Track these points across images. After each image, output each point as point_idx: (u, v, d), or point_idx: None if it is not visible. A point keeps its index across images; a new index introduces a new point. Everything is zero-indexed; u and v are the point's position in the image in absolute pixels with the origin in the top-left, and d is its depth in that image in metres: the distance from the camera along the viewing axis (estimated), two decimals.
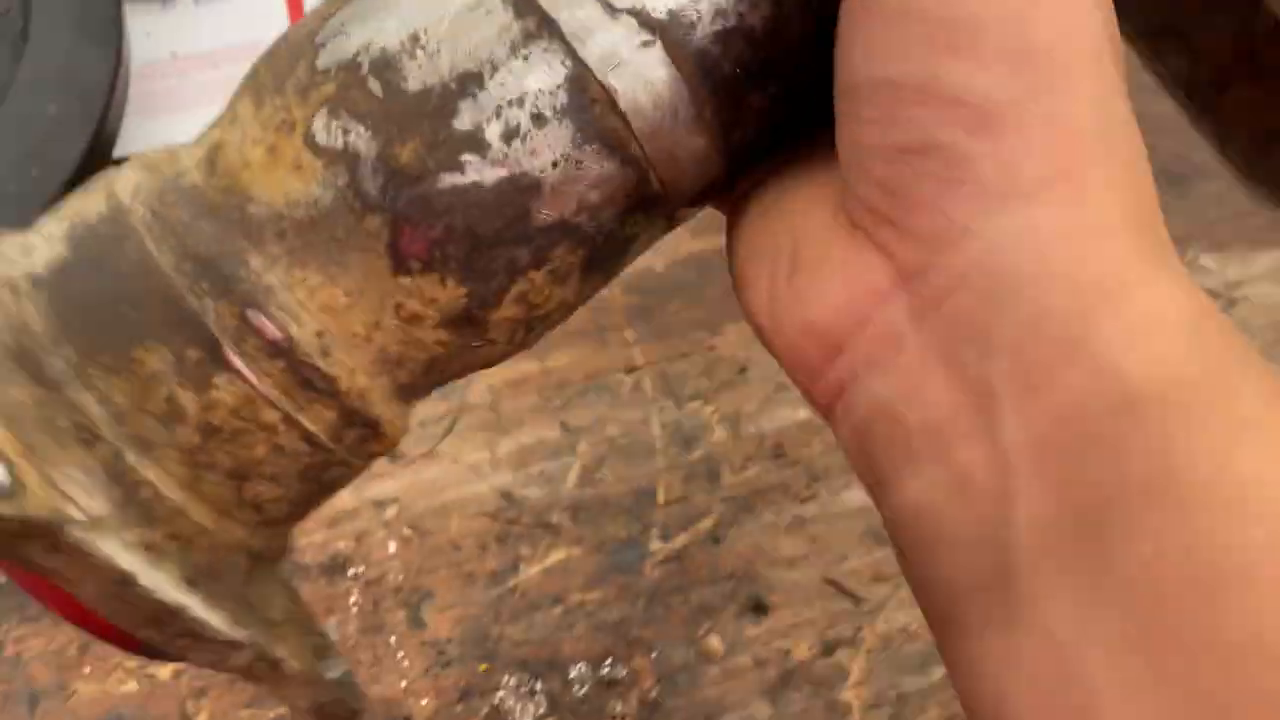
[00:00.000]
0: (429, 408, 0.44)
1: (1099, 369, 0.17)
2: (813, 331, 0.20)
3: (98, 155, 0.47)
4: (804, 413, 0.44)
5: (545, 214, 0.20)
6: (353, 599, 0.39)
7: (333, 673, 0.23)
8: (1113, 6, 0.19)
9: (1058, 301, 0.17)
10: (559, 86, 0.20)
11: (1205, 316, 0.18)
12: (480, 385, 0.44)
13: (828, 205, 0.21)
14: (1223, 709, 0.15)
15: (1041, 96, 0.18)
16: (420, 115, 0.20)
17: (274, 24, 0.58)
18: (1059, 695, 0.16)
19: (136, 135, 0.53)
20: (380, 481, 0.42)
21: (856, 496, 0.41)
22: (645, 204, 0.21)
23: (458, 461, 0.42)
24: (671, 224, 0.23)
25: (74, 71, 0.47)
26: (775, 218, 0.22)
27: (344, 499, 0.42)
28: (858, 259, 0.20)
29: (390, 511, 0.41)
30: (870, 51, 0.19)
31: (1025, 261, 0.18)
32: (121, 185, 0.22)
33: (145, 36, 0.58)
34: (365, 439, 0.22)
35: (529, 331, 0.22)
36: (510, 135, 0.20)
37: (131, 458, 0.20)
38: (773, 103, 0.21)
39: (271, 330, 0.20)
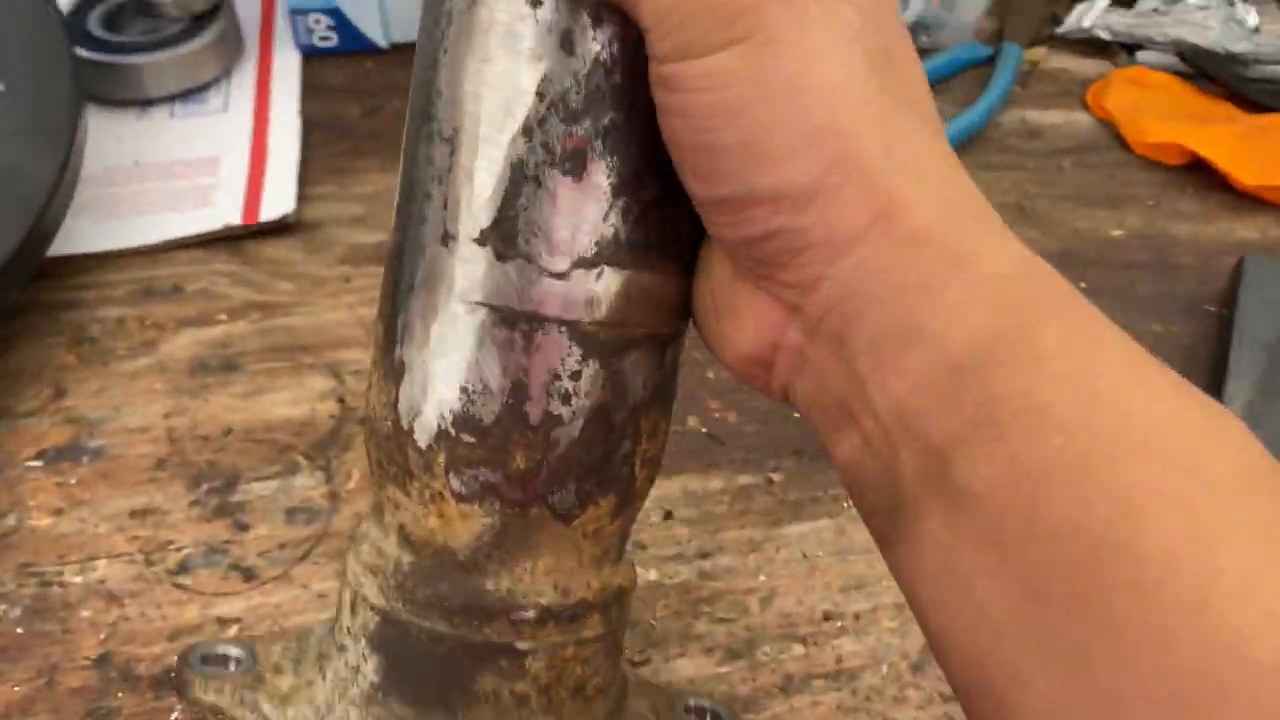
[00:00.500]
0: (292, 532, 0.45)
1: (928, 349, 0.22)
2: (746, 358, 0.27)
3: (31, 251, 0.50)
4: (653, 573, 0.44)
5: (620, 415, 0.28)
6: (174, 714, 0.40)
7: None
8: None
9: (893, 308, 0.23)
10: (578, 361, 0.27)
11: (1014, 281, 0.23)
12: (346, 512, 0.45)
13: (727, 269, 0.26)
14: (1045, 580, 0.21)
15: (835, 166, 0.23)
16: (504, 433, 0.27)
17: (239, 142, 0.61)
18: (942, 581, 0.23)
19: (91, 235, 0.56)
20: (228, 600, 0.42)
21: (688, 665, 0.41)
22: (666, 342, 0.29)
23: (308, 588, 0.43)
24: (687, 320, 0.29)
25: (18, 171, 0.49)
26: (701, 279, 0.28)
27: (190, 614, 0.43)
28: (757, 303, 0.26)
29: (231, 631, 0.42)
30: (700, 180, 0.25)
31: (866, 286, 0.23)
32: (370, 592, 0.29)
33: (116, 142, 0.62)
34: (621, 598, 0.30)
35: (653, 477, 0.30)
36: (566, 399, 0.27)
37: None
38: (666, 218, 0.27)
39: (531, 613, 0.28)
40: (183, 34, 0.63)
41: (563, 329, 0.26)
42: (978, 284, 0.23)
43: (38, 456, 0.47)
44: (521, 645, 0.28)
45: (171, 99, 0.64)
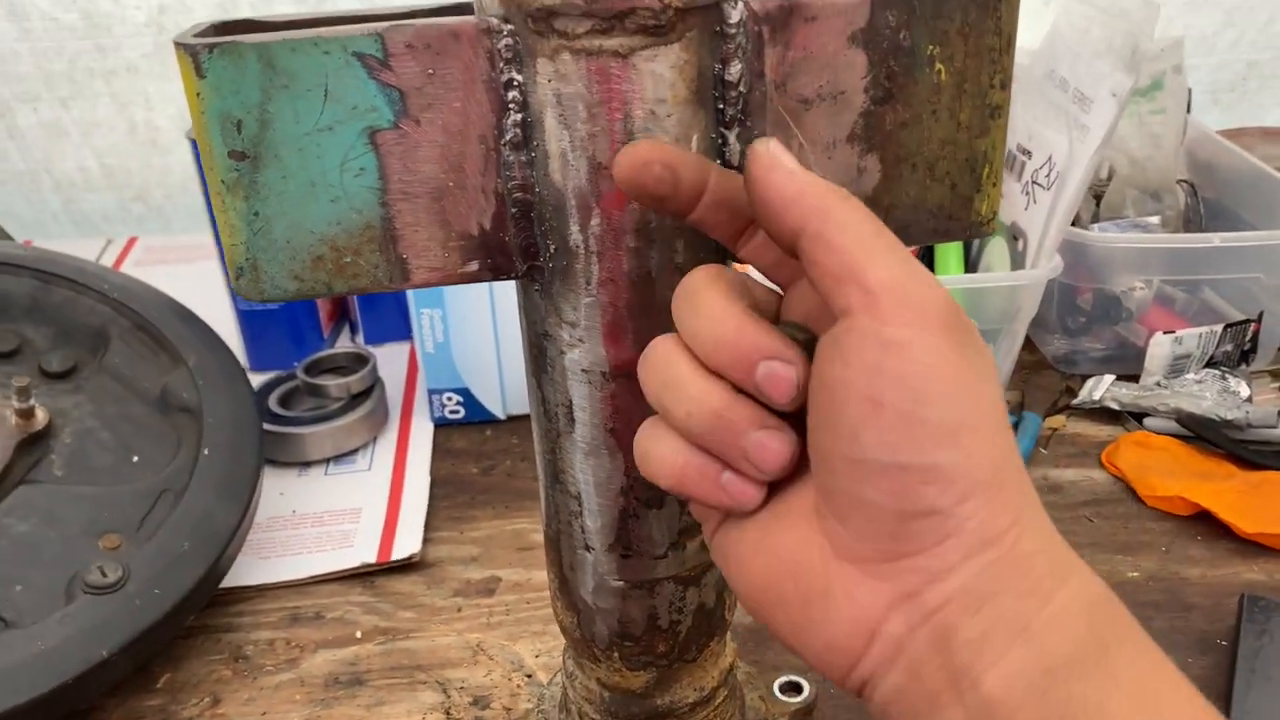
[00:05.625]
0: None
1: (1030, 648, 0.26)
2: (834, 648, 0.28)
3: (210, 584, 0.62)
4: None
5: (714, 606, 0.44)
6: None
7: None
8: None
9: (1009, 607, 0.26)
10: (683, 593, 0.43)
11: (1099, 604, 0.27)
12: None
13: (816, 549, 0.28)
14: None
15: (1003, 466, 0.26)
16: (650, 637, 0.43)
17: (378, 495, 0.74)
18: None
19: (252, 571, 0.68)
20: None
21: None
22: None
23: None
24: None
25: (210, 518, 0.62)
26: (768, 565, 0.30)
27: None
28: (859, 590, 0.27)
29: None
30: (885, 442, 0.26)
31: (988, 584, 0.26)
32: (589, 710, 0.47)
33: (279, 495, 0.75)
34: (733, 668, 0.48)
35: (735, 604, 0.45)
36: (680, 610, 0.43)
37: None
38: None
39: (685, 708, 0.46)
40: (341, 409, 0.79)
41: (670, 581, 0.41)
42: (1075, 599, 0.26)
43: None
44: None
45: (327, 460, 0.78)
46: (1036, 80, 0.79)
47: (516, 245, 0.36)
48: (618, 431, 0.38)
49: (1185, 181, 0.94)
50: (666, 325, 0.36)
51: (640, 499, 0.39)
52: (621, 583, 0.41)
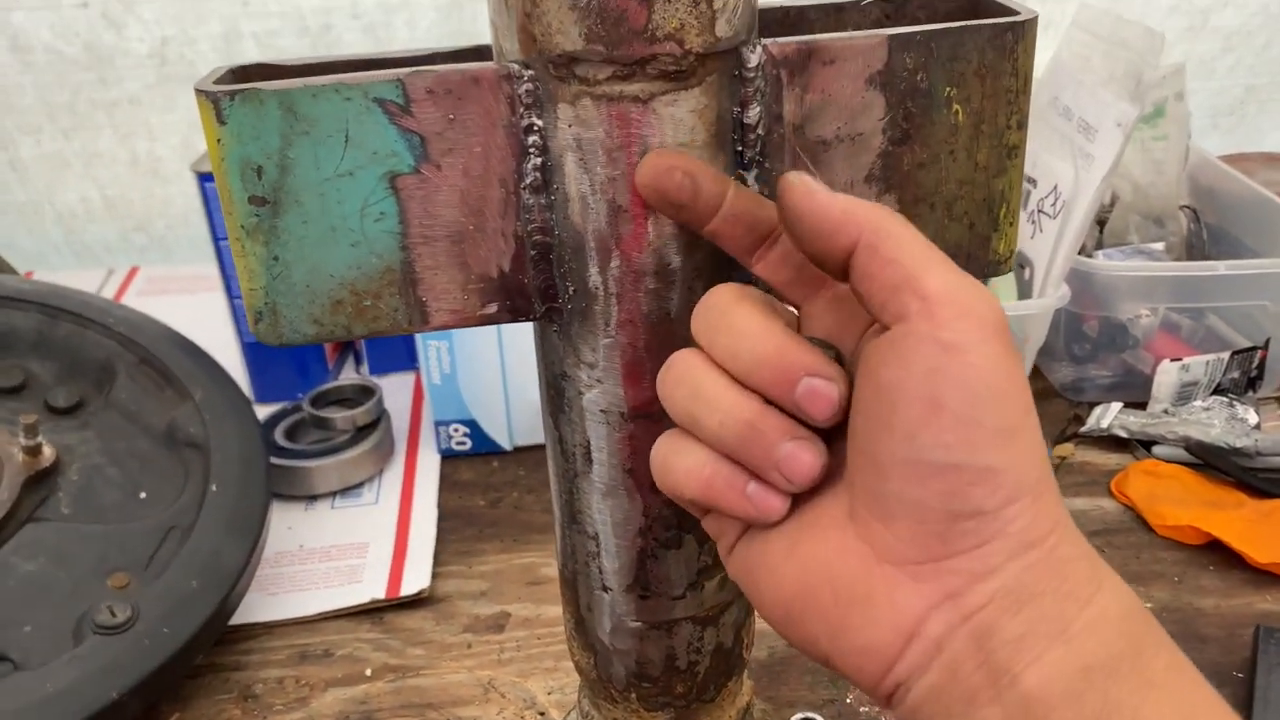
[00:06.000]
0: None
1: (1069, 649, 0.26)
2: (871, 652, 0.29)
3: (218, 622, 0.61)
4: None
5: (731, 646, 0.44)
6: None
7: None
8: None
9: (1049, 609, 0.27)
10: (700, 634, 0.42)
11: (1133, 612, 0.27)
12: None
13: (855, 555, 0.29)
14: None
15: (1044, 472, 0.28)
16: (668, 679, 0.43)
17: (386, 529, 0.74)
18: None
19: (260, 608, 0.68)
20: None
21: None
22: None
23: None
24: None
25: (218, 555, 0.62)
26: (800, 574, 0.30)
27: None
28: (899, 592, 0.28)
29: None
30: (942, 443, 0.27)
31: (1029, 585, 0.27)
32: None
33: (287, 530, 0.75)
34: (750, 704, 0.47)
35: (751, 644, 0.46)
36: (699, 651, 0.43)
37: None
38: None
39: None
40: (348, 442, 0.78)
41: (688, 622, 0.41)
42: (1111, 604, 0.27)
43: None
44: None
45: (334, 494, 0.78)
46: (1040, 108, 0.80)
47: (535, 287, 0.36)
48: (636, 472, 0.37)
49: (1188, 207, 0.95)
50: None
51: (658, 540, 0.39)
52: (639, 623, 0.41)
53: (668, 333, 0.35)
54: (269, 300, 0.34)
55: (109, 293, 1.07)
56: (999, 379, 0.27)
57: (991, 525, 0.27)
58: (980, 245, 0.38)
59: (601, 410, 0.37)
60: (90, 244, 1.16)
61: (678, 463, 0.32)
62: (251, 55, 1.06)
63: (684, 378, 0.31)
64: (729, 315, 0.31)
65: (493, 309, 0.36)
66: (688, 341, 0.35)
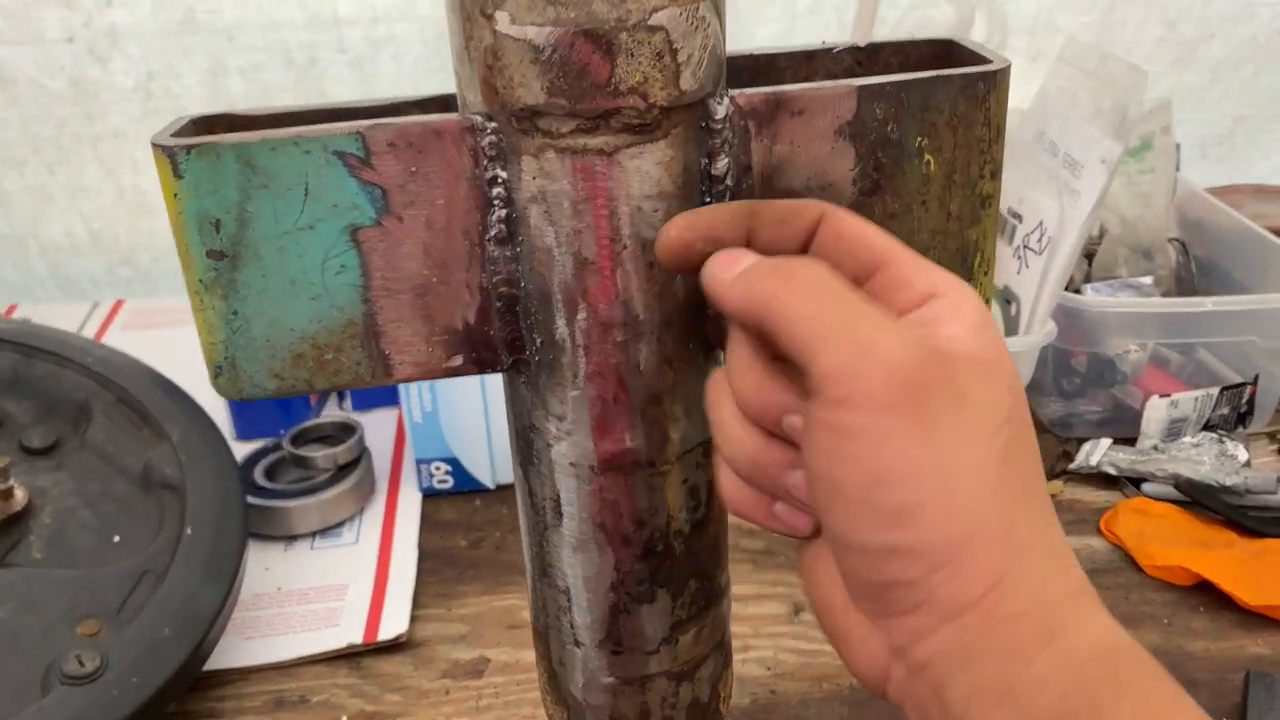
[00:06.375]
0: None
1: (1017, 709, 0.26)
2: (861, 675, 0.30)
3: (193, 667, 0.60)
4: None
5: (709, 701, 0.42)
6: None
7: None
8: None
9: (990, 669, 0.27)
10: (676, 689, 0.41)
11: (1094, 661, 0.26)
12: None
13: (840, 593, 0.30)
14: None
15: (968, 542, 0.27)
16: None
17: (365, 570, 0.73)
18: None
19: (235, 652, 0.66)
20: None
21: None
22: None
23: None
24: None
25: (193, 599, 0.61)
26: (817, 594, 0.32)
27: None
28: (869, 638, 0.30)
29: None
30: (846, 522, 0.28)
31: (968, 646, 0.27)
32: None
33: (264, 571, 0.74)
34: None
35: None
36: (674, 706, 0.42)
37: None
38: None
39: None
40: (328, 481, 0.77)
41: (662, 677, 0.40)
42: (1062, 658, 0.26)
43: None
44: None
45: (313, 534, 0.77)
46: (1026, 142, 0.80)
47: (501, 339, 0.35)
48: (606, 526, 0.37)
49: (1176, 240, 0.94)
50: (656, 417, 0.36)
51: (631, 594, 0.38)
52: (612, 679, 0.40)
53: (638, 384, 0.35)
54: (228, 355, 0.33)
55: (93, 326, 1.06)
56: (896, 456, 0.27)
57: (917, 593, 0.28)
58: None
59: (571, 463, 0.36)
60: (75, 277, 1.15)
61: (719, 478, 0.33)
62: (237, 90, 1.05)
63: (710, 406, 0.33)
64: (729, 349, 0.32)
65: (458, 361, 0.35)
66: (658, 393, 0.35)
